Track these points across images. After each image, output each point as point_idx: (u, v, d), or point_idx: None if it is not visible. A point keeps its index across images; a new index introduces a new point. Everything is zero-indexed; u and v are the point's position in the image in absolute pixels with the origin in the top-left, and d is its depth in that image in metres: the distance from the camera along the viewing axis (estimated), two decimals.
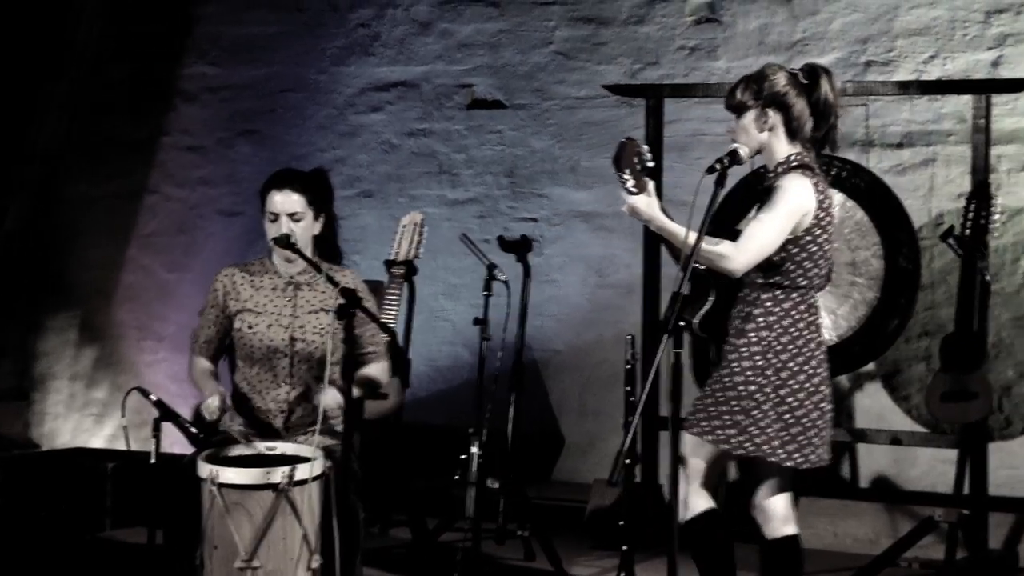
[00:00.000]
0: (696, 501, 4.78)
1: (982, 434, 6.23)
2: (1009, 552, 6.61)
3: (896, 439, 6.65)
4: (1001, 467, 6.89)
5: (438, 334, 8.23)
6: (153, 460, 4.94)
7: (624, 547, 5.94)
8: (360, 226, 8.32)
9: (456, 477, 6.30)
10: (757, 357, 4.64)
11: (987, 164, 6.27)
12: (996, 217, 6.14)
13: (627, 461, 6.02)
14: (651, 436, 6.80)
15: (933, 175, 7.21)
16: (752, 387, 4.63)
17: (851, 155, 6.92)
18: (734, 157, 4.55)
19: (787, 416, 4.64)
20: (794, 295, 4.68)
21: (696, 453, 4.76)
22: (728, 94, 4.81)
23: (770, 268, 4.64)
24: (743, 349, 4.66)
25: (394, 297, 6.39)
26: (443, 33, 8.27)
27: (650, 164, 4.54)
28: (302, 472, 4.63)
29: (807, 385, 4.67)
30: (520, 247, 6.47)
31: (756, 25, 7.58)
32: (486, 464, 6.26)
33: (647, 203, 4.58)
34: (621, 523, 6.01)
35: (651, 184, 4.59)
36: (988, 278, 6.26)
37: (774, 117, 4.70)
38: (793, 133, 4.72)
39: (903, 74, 7.27)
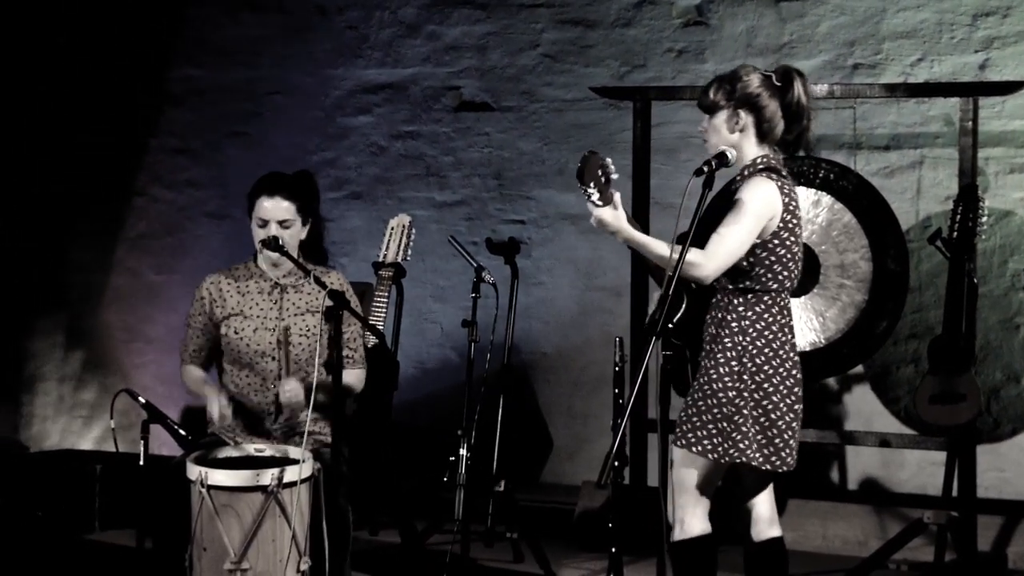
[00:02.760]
0: (692, 523, 4.71)
1: (970, 436, 6.24)
2: (998, 554, 6.61)
3: (885, 441, 6.66)
4: (990, 469, 6.91)
5: (426, 336, 8.23)
6: (142, 462, 4.94)
7: (613, 549, 5.92)
8: (348, 228, 8.31)
9: (445, 479, 6.30)
10: (733, 363, 4.62)
11: (974, 167, 6.27)
12: (983, 220, 6.14)
13: (615, 463, 6.01)
14: (640, 438, 6.80)
15: (920, 177, 7.22)
16: (732, 393, 4.60)
17: (839, 157, 6.93)
18: (722, 159, 4.54)
19: (763, 420, 4.63)
20: (765, 298, 4.66)
21: (688, 467, 4.73)
22: (701, 93, 4.80)
23: (740, 273, 4.63)
24: (719, 355, 4.63)
25: (382, 299, 6.38)
26: (430, 35, 8.26)
27: (614, 176, 4.52)
28: (291, 474, 4.64)
29: (782, 388, 4.66)
30: (508, 249, 6.47)
31: (744, 28, 7.58)
32: (475, 466, 6.26)
33: (614, 215, 4.56)
34: (610, 525, 5.99)
35: (617, 196, 4.56)
36: (976, 281, 6.26)
37: (746, 118, 4.69)
38: (764, 135, 4.70)
39: (890, 77, 7.28)
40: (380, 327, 6.13)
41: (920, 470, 7.16)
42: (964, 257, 6.12)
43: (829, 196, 6.49)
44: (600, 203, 4.51)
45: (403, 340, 7.01)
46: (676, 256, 4.49)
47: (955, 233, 6.13)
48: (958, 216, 6.14)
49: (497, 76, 8.13)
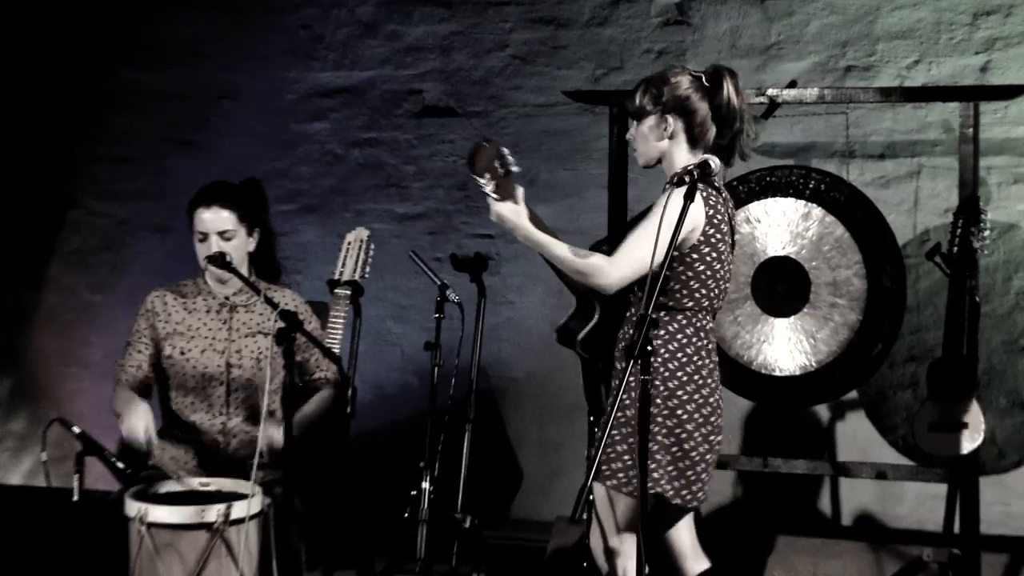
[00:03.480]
0: (631, 566, 4.61)
1: (973, 467, 6.23)
2: None
3: (881, 473, 6.65)
4: (994, 503, 6.91)
5: (386, 360, 8.20)
6: (76, 498, 4.89)
7: None
8: (301, 243, 8.28)
9: (406, 515, 6.26)
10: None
11: (976, 176, 6.28)
12: (986, 233, 6.14)
13: (591, 497, 5.99)
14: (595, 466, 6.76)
15: (918, 188, 7.23)
16: None
17: (830, 167, 6.93)
18: (704, 169, 4.51)
19: (675, 449, 4.59)
20: (679, 317, 4.63)
21: (614, 504, 4.68)
22: (627, 98, 4.80)
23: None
24: (630, 378, 4.56)
25: (339, 320, 6.35)
26: (391, 35, 8.24)
27: (514, 168, 4.53)
28: (239, 510, 4.60)
29: (696, 416, 4.60)
30: (475, 266, 6.44)
31: (727, 27, 7.59)
32: (438, 500, 6.22)
33: (513, 210, 4.59)
34: (584, 564, 5.97)
35: (520, 191, 4.59)
36: (978, 299, 6.26)
37: (674, 124, 4.68)
38: (695, 141, 4.70)
39: (885, 80, 7.29)
40: (336, 350, 6.10)
41: (919, 504, 7.16)
42: (965, 274, 6.13)
43: (820, 208, 6.49)
44: (497, 197, 4.51)
45: (361, 364, 6.95)
46: (574, 258, 4.55)
47: (955, 248, 6.14)
48: (958, 230, 6.14)
49: (462, 79, 8.12)
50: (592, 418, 6.20)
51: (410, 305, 8.10)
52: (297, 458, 4.99)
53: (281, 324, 4.78)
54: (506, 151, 4.52)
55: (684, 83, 4.68)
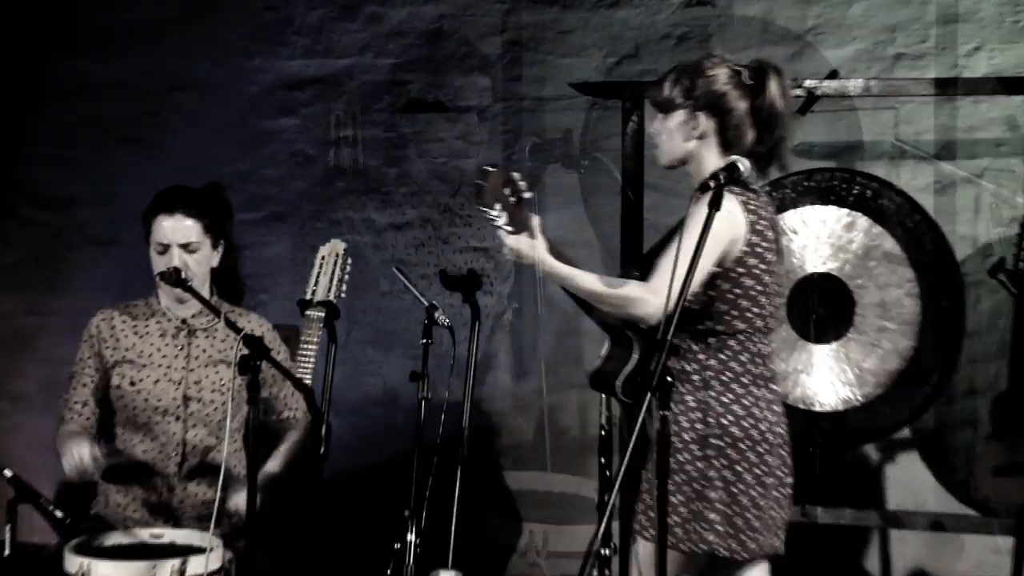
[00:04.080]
0: None
1: None
2: None
3: (937, 523, 6.65)
4: None
5: (365, 392, 8.19)
6: (7, 552, 4.90)
7: None
8: (268, 257, 8.27)
9: (388, 571, 6.26)
10: (699, 425, 4.56)
11: None
12: None
13: (603, 551, 5.99)
14: (633, 520, 6.76)
15: (979, 194, 7.23)
16: (700, 464, 4.55)
17: (878, 170, 6.93)
18: (732, 172, 4.49)
19: (724, 494, 4.57)
20: (731, 342, 4.62)
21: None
22: (655, 86, 4.80)
23: (698, 311, 4.59)
24: (681, 418, 4.57)
25: (311, 347, 6.34)
26: (370, 18, 8.25)
27: (527, 195, 4.50)
28: (196, 566, 4.60)
29: (750, 455, 4.59)
30: (467, 284, 6.44)
31: (758, 9, 7.60)
32: (425, 555, 6.22)
33: (530, 244, 4.57)
34: None
35: (536, 220, 4.57)
36: None
37: (706, 123, 4.68)
38: (728, 145, 4.68)
39: (940, 70, 7.29)
40: (308, 381, 6.09)
41: (982, 560, 7.15)
42: None
43: (866, 218, 6.50)
44: (510, 229, 4.49)
45: (336, 397, 6.93)
46: (607, 290, 4.53)
47: (1022, 263, 6.14)
48: None
49: (453, 69, 8.12)
50: (603, 460, 6.20)
51: (393, 329, 8.10)
52: (262, 510, 4.98)
53: (244, 351, 4.76)
54: (517, 176, 4.50)
55: (721, 77, 4.67)
